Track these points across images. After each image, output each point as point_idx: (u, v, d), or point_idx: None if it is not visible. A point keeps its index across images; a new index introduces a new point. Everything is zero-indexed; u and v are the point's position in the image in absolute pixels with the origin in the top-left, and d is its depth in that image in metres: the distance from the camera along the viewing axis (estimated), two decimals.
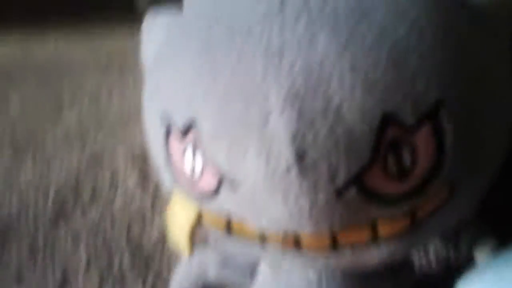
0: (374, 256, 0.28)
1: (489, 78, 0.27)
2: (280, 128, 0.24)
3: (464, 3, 0.27)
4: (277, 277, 0.33)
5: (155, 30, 0.32)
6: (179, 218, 0.31)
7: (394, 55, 0.24)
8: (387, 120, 0.24)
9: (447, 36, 0.25)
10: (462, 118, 0.25)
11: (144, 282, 0.58)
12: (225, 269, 0.37)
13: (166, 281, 0.52)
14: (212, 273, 0.38)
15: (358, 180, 0.25)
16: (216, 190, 0.27)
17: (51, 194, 0.78)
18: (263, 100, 0.24)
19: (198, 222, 0.30)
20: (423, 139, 0.25)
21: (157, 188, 0.75)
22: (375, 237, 0.27)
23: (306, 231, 0.26)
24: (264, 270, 0.35)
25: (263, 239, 0.28)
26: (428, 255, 0.32)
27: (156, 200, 0.73)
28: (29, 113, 1.16)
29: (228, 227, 0.29)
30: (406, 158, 0.25)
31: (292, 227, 0.26)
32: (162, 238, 0.63)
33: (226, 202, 0.27)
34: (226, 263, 0.37)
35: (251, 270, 0.36)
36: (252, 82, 0.25)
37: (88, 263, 0.62)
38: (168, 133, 0.28)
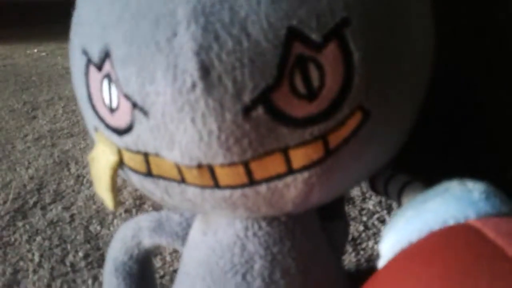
0: (291, 189, 0.27)
1: None
2: (185, 42, 0.24)
3: None
4: (206, 235, 0.32)
5: None
6: (100, 162, 0.30)
7: None
8: (292, 36, 0.24)
9: None
10: (369, 37, 0.25)
11: (94, 280, 0.56)
12: (159, 235, 0.36)
13: None
14: (146, 240, 0.36)
15: (265, 99, 0.24)
16: (132, 122, 0.27)
17: (12, 194, 0.77)
18: (170, 16, 0.24)
19: (119, 164, 0.30)
20: (330, 58, 0.24)
21: (119, 192, 0.74)
22: (290, 169, 0.26)
23: (218, 160, 0.26)
24: (194, 232, 0.34)
25: (181, 176, 0.28)
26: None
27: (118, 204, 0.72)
28: (4, 116, 1.17)
29: (147, 164, 0.28)
30: (314, 77, 0.24)
31: (204, 157, 0.26)
32: None
33: (141, 133, 0.27)
34: (160, 229, 0.36)
35: (183, 235, 0.35)
36: (160, 1, 0.25)
37: (40, 261, 0.60)
38: (87, 66, 0.28)
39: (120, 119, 0.27)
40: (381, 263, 0.27)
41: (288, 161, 0.26)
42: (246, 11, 0.24)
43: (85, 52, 0.28)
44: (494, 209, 0.26)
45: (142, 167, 0.29)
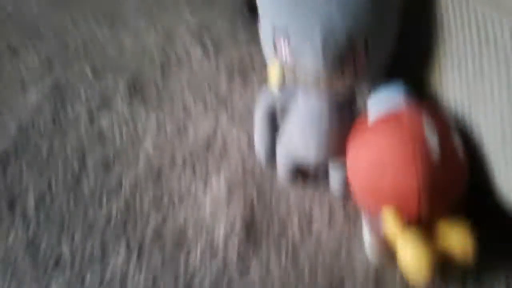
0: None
1: None
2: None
3: None
4: (305, 103, 0.83)
5: None
6: (274, 70, 0.79)
7: None
8: None
9: None
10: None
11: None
12: (284, 98, 0.86)
13: None
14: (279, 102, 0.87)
15: None
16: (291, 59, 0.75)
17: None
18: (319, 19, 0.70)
19: (282, 73, 0.78)
20: None
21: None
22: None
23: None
24: (299, 100, 0.83)
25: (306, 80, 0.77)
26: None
27: None
28: None
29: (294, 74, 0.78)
30: None
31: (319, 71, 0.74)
32: None
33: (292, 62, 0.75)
34: (285, 96, 0.86)
35: (295, 99, 0.85)
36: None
37: None
38: (274, 35, 0.75)
39: (283, 57, 0.76)
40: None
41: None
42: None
43: (273, 28, 0.74)
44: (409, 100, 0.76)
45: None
